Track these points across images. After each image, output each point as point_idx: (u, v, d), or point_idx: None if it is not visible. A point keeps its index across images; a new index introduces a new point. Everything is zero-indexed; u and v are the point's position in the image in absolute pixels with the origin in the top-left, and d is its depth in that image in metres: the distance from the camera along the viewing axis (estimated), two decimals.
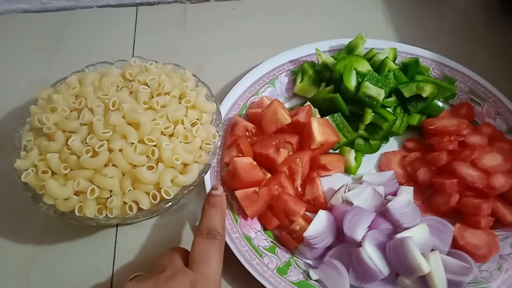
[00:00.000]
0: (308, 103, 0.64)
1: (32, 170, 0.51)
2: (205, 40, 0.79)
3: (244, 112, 0.65)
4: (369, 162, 0.62)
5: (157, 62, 0.62)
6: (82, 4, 0.85)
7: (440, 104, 0.66)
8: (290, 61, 0.71)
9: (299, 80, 0.68)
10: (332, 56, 0.69)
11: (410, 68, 0.66)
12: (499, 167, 0.56)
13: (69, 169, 0.50)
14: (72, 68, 0.61)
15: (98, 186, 0.49)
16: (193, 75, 0.61)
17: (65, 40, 0.79)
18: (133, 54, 0.77)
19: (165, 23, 0.81)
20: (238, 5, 0.84)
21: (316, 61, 0.69)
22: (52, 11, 0.84)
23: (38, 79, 0.72)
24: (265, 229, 0.56)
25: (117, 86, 0.58)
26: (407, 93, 0.62)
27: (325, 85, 0.67)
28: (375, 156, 0.63)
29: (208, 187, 0.57)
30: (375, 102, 0.60)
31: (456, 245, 0.53)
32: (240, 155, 0.58)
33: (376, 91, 0.60)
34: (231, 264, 0.53)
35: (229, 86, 0.68)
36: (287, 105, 0.68)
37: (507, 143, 0.59)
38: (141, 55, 0.63)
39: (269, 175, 0.58)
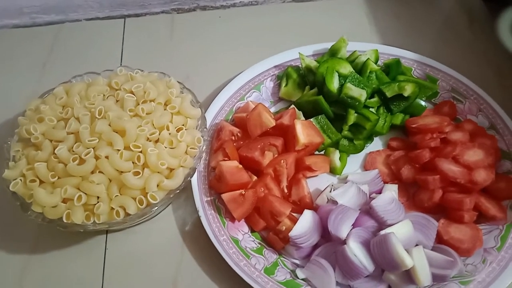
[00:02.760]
0: (292, 106, 0.65)
1: (21, 179, 0.52)
2: (192, 49, 0.80)
3: (230, 117, 0.66)
4: (354, 162, 0.63)
5: (142, 70, 0.63)
6: (71, 17, 0.86)
7: (423, 103, 0.67)
8: (275, 66, 0.72)
9: (284, 84, 0.70)
10: (315, 60, 0.70)
11: (392, 69, 0.68)
12: (480, 162, 0.57)
13: (56, 177, 0.52)
14: (62, 80, 0.62)
15: (85, 193, 0.50)
16: (178, 82, 0.62)
17: (55, 53, 0.80)
18: (121, 64, 0.78)
19: (153, 34, 0.83)
20: (224, 13, 0.86)
21: (299, 65, 0.71)
22: (42, 25, 0.86)
23: (29, 92, 0.73)
24: (252, 231, 0.57)
25: (104, 95, 0.59)
26: (389, 93, 0.63)
27: (309, 88, 0.68)
28: (360, 156, 0.64)
29: (195, 192, 0.58)
30: (357, 103, 0.62)
31: (440, 240, 0.54)
32: (226, 159, 0.59)
33: (358, 92, 0.62)
34: (219, 266, 0.54)
35: (216, 93, 0.69)
36: (273, 109, 0.69)
37: (488, 138, 0.60)
38: (130, 65, 0.64)
39: (255, 177, 0.59)
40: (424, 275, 0.48)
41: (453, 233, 0.54)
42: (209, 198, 0.58)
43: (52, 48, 0.81)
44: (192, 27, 0.83)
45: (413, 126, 0.62)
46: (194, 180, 0.59)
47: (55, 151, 0.52)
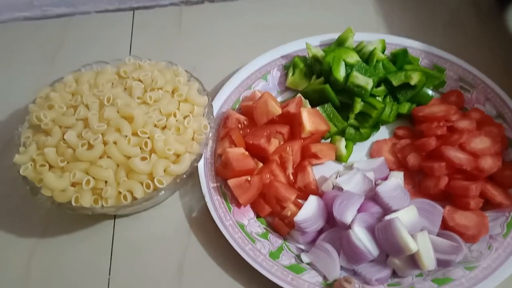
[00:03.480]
0: (299, 94, 0.66)
1: (31, 164, 0.53)
2: (200, 41, 0.81)
3: (237, 106, 0.67)
4: (360, 150, 0.64)
5: (150, 60, 0.64)
6: (81, 10, 0.87)
7: (430, 92, 0.67)
8: (282, 56, 0.72)
9: (290, 74, 0.70)
10: (322, 50, 0.71)
11: (399, 58, 0.68)
12: (487, 150, 0.57)
13: (65, 162, 0.53)
14: (71, 71, 0.63)
15: (93, 177, 0.51)
16: (185, 71, 0.63)
17: (65, 45, 0.82)
18: (130, 54, 0.79)
19: (161, 26, 0.83)
20: (232, 6, 0.86)
21: (306, 55, 0.71)
22: (52, 18, 0.87)
23: (39, 82, 0.74)
24: (258, 216, 0.57)
25: (112, 83, 0.60)
26: (395, 82, 0.64)
27: (316, 77, 0.68)
28: (367, 144, 0.64)
29: (202, 179, 0.58)
30: (363, 91, 0.62)
31: (446, 227, 0.54)
32: (232, 146, 0.59)
33: (364, 81, 0.62)
34: (225, 251, 0.54)
35: (223, 82, 0.70)
36: (279, 99, 0.70)
37: (496, 127, 0.60)
38: (139, 54, 0.65)
39: (261, 164, 0.60)
40: (428, 259, 0.48)
41: (458, 220, 0.54)
42: (215, 184, 0.58)
43: (62, 40, 0.83)
44: (200, 20, 0.84)
45: (420, 114, 0.62)
46: (201, 167, 0.59)
47: (64, 137, 0.53)
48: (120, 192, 0.52)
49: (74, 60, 0.78)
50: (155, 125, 0.55)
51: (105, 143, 0.53)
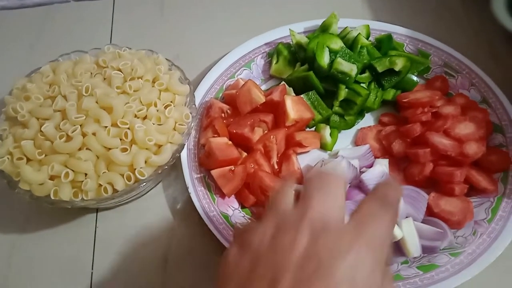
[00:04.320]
0: (283, 82, 0.65)
1: (8, 157, 0.51)
2: (182, 27, 0.79)
3: (220, 95, 0.66)
4: (345, 138, 0.63)
5: (130, 48, 0.63)
6: None
7: (415, 78, 0.66)
8: (266, 44, 0.71)
9: (274, 61, 0.69)
10: (306, 36, 0.70)
11: (384, 44, 0.67)
12: (472, 135, 0.56)
13: (43, 155, 0.51)
14: (53, 59, 0.62)
15: (72, 170, 0.50)
16: (166, 59, 0.62)
17: (44, 34, 0.79)
18: (110, 42, 0.77)
19: (143, 12, 0.82)
20: None
21: (291, 42, 0.70)
22: (30, 7, 0.85)
23: (17, 73, 0.72)
24: (242, 206, 0.57)
25: (91, 73, 0.58)
26: (380, 68, 0.63)
27: (300, 64, 0.67)
28: (352, 132, 0.63)
29: (185, 170, 0.57)
30: (348, 78, 0.61)
31: (431, 213, 0.54)
32: (215, 135, 0.58)
33: (348, 67, 0.61)
34: (210, 242, 0.54)
35: (206, 71, 0.69)
36: (264, 87, 0.69)
37: (480, 112, 0.60)
38: (119, 43, 0.64)
39: (245, 154, 0.59)
40: (413, 246, 0.48)
41: (443, 206, 0.54)
42: (199, 175, 0.57)
43: (41, 29, 0.80)
44: (182, 5, 0.82)
45: (405, 100, 0.62)
46: (184, 157, 0.58)
47: (42, 129, 0.51)
48: (100, 185, 0.50)
49: (54, 49, 0.75)
50: (135, 115, 0.54)
51: (84, 135, 0.51)
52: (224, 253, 0.33)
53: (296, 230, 0.29)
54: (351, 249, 0.28)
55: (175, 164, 0.57)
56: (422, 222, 0.52)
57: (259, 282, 0.28)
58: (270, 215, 0.32)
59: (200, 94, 0.65)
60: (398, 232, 0.47)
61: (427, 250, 0.50)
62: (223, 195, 0.56)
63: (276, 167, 0.58)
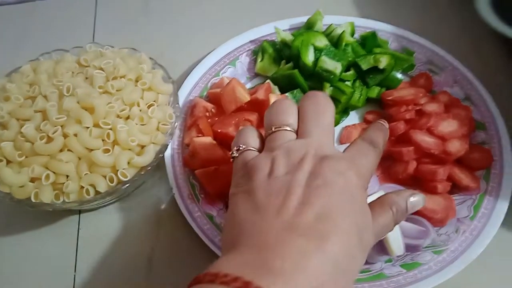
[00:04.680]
0: (268, 80, 0.64)
1: None
2: (167, 24, 0.78)
3: (205, 93, 0.65)
4: None
5: (113, 47, 0.62)
6: None
7: (399, 75, 0.66)
8: (251, 41, 0.71)
9: (259, 59, 0.69)
10: (291, 34, 0.69)
11: (368, 41, 0.67)
12: (454, 133, 0.57)
13: (24, 157, 0.50)
14: (34, 57, 0.61)
15: (54, 172, 0.49)
16: (150, 58, 0.61)
17: (27, 32, 0.78)
18: (93, 40, 0.76)
19: (126, 8, 0.81)
20: None
21: (276, 39, 0.69)
22: (12, 4, 0.83)
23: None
24: (227, 206, 0.56)
25: (72, 72, 0.58)
26: (364, 66, 0.63)
27: (285, 62, 0.67)
28: (336, 130, 0.63)
29: (169, 170, 0.57)
30: (332, 76, 0.61)
31: (415, 211, 0.54)
32: (200, 135, 0.58)
33: (333, 65, 0.61)
34: (194, 242, 0.53)
35: (191, 69, 0.68)
36: (249, 85, 0.68)
37: (463, 109, 0.60)
38: (102, 41, 0.63)
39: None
40: (396, 245, 0.48)
41: (426, 204, 0.54)
42: (183, 176, 0.57)
43: (23, 27, 0.79)
44: (167, 1, 0.82)
45: (389, 98, 0.62)
46: (168, 157, 0.58)
47: (22, 130, 0.51)
48: (82, 187, 0.50)
49: (37, 47, 0.73)
50: (118, 116, 0.53)
51: (65, 136, 0.51)
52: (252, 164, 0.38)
53: (301, 158, 0.36)
54: (347, 171, 0.35)
55: (159, 164, 0.56)
56: (405, 221, 0.52)
57: (274, 195, 0.34)
58: (275, 148, 0.38)
59: (184, 93, 0.64)
60: None
61: (410, 249, 0.50)
62: (207, 195, 0.56)
63: None
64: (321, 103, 0.41)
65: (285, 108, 0.41)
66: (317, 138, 0.38)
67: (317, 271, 0.30)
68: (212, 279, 0.29)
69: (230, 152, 0.42)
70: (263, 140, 0.41)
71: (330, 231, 0.31)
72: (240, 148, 0.41)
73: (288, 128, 0.40)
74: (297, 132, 0.40)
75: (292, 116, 0.40)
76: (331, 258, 0.30)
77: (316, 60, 0.62)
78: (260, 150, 0.40)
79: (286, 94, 0.62)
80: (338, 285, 0.31)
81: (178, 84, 0.65)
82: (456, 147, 0.55)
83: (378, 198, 0.40)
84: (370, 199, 0.49)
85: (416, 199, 0.41)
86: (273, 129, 0.40)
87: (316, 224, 0.32)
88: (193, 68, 0.67)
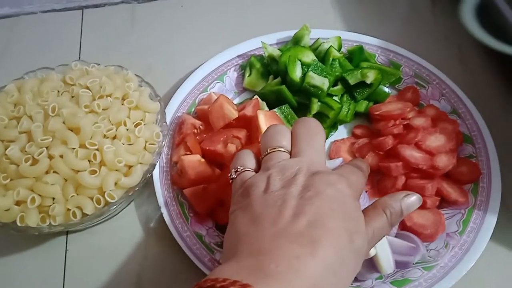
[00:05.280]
0: (256, 96, 0.64)
1: None
2: (154, 40, 0.78)
3: (193, 110, 0.65)
4: None
5: (99, 64, 0.61)
6: (27, 10, 0.82)
7: (386, 89, 0.67)
8: (239, 56, 0.70)
9: (247, 74, 0.68)
10: (278, 49, 0.69)
11: (355, 56, 0.67)
12: (442, 147, 0.57)
13: (9, 179, 0.49)
14: (19, 75, 0.60)
15: (39, 195, 0.49)
16: (136, 75, 0.61)
17: (11, 48, 0.77)
18: (79, 58, 0.75)
19: (113, 25, 0.80)
20: (186, 2, 0.84)
21: (263, 54, 0.69)
22: None
23: None
24: (217, 225, 0.56)
25: (58, 91, 0.57)
26: (352, 81, 0.63)
27: (273, 77, 0.67)
28: (325, 144, 0.63)
29: (157, 189, 0.56)
30: (320, 92, 0.61)
31: (404, 227, 0.54)
32: (188, 153, 0.58)
33: (320, 81, 0.61)
34: (184, 262, 0.53)
35: (179, 84, 0.68)
36: (237, 100, 0.68)
37: (450, 123, 0.61)
38: (88, 58, 0.62)
39: (219, 171, 0.58)
40: (386, 263, 0.48)
41: (416, 219, 0.54)
42: (172, 194, 0.57)
43: (8, 43, 0.78)
44: (153, 17, 0.81)
45: (376, 113, 0.62)
46: (156, 175, 0.57)
47: (6, 152, 0.50)
48: (68, 209, 0.49)
49: (21, 63, 0.73)
50: (104, 135, 0.53)
51: (50, 157, 0.50)
52: (249, 184, 0.40)
53: (295, 174, 0.38)
54: (337, 183, 0.38)
55: (148, 182, 0.56)
56: (394, 237, 0.52)
57: (270, 207, 0.36)
58: (270, 167, 0.40)
59: (172, 109, 0.64)
60: (372, 250, 0.47)
61: (400, 265, 0.50)
62: (196, 214, 0.55)
63: None
64: (312, 126, 0.44)
65: (279, 131, 0.44)
66: (309, 157, 0.41)
67: (309, 272, 0.31)
68: (212, 284, 0.30)
69: (229, 175, 0.44)
70: (259, 162, 0.44)
71: (321, 236, 0.33)
72: (238, 169, 0.43)
73: (282, 149, 0.42)
74: (290, 153, 0.43)
75: (285, 138, 0.43)
76: (323, 260, 0.32)
77: (304, 75, 0.62)
78: (257, 171, 0.42)
79: (275, 109, 0.62)
80: (331, 286, 0.32)
81: (165, 100, 0.65)
82: (444, 161, 0.56)
83: (372, 203, 0.42)
84: None
85: (411, 200, 0.41)
86: (268, 150, 0.43)
87: (309, 230, 0.34)
88: (181, 84, 0.67)
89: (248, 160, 0.44)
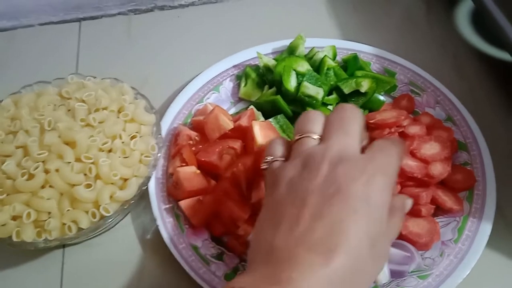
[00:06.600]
0: (251, 106, 0.64)
1: None
2: (151, 51, 0.78)
3: (189, 121, 0.65)
4: None
5: (95, 77, 0.62)
6: (24, 23, 0.83)
7: (381, 97, 0.67)
8: (234, 66, 0.71)
9: (243, 84, 0.69)
10: (274, 58, 0.70)
11: (350, 64, 0.67)
12: (437, 155, 0.57)
13: (5, 194, 0.50)
14: (16, 89, 0.60)
15: (35, 209, 0.49)
16: (132, 87, 0.61)
17: (8, 61, 0.78)
18: (77, 70, 0.76)
19: (109, 37, 0.81)
20: (182, 13, 0.84)
21: (259, 64, 0.70)
22: None
23: None
24: (212, 236, 0.56)
25: (54, 105, 0.57)
26: (346, 90, 0.63)
27: (268, 87, 0.67)
28: None
29: (153, 201, 0.57)
30: (314, 101, 0.61)
31: (399, 236, 0.54)
32: (183, 164, 0.58)
33: (315, 90, 0.61)
34: (180, 274, 0.53)
35: (175, 95, 0.68)
36: (233, 110, 0.68)
37: (445, 130, 0.61)
38: (86, 70, 0.63)
39: (214, 182, 0.58)
40: (382, 272, 0.48)
41: (411, 228, 0.54)
42: (167, 206, 0.57)
43: (6, 55, 0.79)
44: (150, 28, 0.82)
45: (371, 121, 0.62)
46: (152, 187, 0.58)
47: (3, 167, 0.50)
48: (64, 223, 0.49)
49: (19, 76, 0.74)
50: (100, 149, 0.53)
51: (46, 172, 0.50)
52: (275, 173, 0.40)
53: (318, 163, 0.36)
54: (364, 172, 0.35)
55: (144, 194, 0.56)
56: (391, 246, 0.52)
57: (291, 205, 0.35)
58: (297, 155, 0.39)
59: (168, 120, 0.64)
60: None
61: (396, 275, 0.50)
62: (192, 226, 0.55)
63: (245, 194, 0.58)
64: (347, 111, 0.41)
65: (311, 117, 0.42)
66: (337, 141, 0.38)
67: (322, 282, 0.31)
68: None
69: (261, 165, 0.44)
70: (290, 149, 0.42)
71: (338, 244, 0.33)
72: (268, 159, 0.42)
73: (312, 135, 0.40)
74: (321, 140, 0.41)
75: (317, 124, 0.41)
76: (335, 271, 0.32)
77: (298, 85, 0.63)
78: (288, 158, 0.41)
79: (270, 119, 0.62)
80: None
81: (162, 110, 0.65)
82: (438, 170, 0.56)
83: None
84: None
85: (407, 201, 0.42)
86: (296, 137, 0.41)
87: (326, 238, 0.33)
88: (177, 95, 0.67)
89: (277, 149, 0.42)
